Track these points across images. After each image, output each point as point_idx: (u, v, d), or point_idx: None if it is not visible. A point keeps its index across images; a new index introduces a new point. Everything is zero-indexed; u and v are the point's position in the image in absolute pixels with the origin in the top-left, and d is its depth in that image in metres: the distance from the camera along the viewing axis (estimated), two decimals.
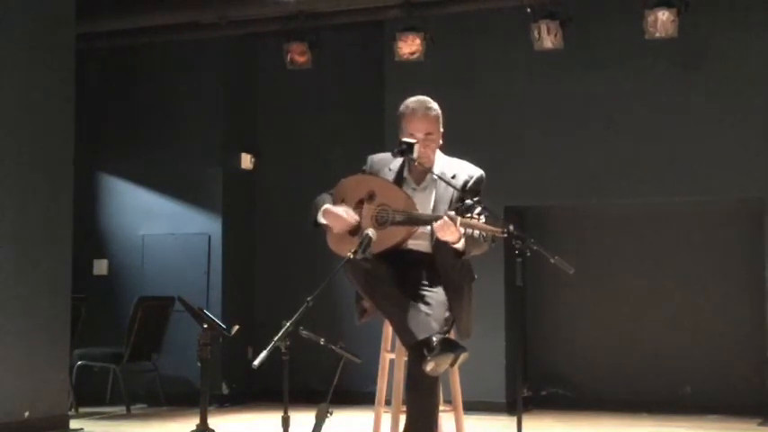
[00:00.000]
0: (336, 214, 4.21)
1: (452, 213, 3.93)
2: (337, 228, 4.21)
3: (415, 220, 4.11)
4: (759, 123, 7.68)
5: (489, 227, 3.88)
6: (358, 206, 4.23)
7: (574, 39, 7.68)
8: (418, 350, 3.90)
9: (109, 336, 8.49)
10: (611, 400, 8.14)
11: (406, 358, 4.17)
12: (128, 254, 9.13)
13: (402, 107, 4.32)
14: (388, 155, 4.40)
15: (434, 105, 4.31)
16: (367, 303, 4.26)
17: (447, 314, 4.05)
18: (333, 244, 4.29)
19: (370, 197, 4.21)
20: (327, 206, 4.26)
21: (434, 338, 3.87)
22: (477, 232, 3.90)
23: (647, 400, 8.09)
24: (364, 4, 8.01)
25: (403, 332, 4.00)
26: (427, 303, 4.02)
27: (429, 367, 3.84)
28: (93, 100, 8.96)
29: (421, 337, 3.89)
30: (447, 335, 4.01)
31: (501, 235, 3.91)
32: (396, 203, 4.13)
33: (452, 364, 3.96)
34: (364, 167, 4.44)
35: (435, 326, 3.93)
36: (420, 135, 4.21)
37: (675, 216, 8.40)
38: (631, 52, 7.92)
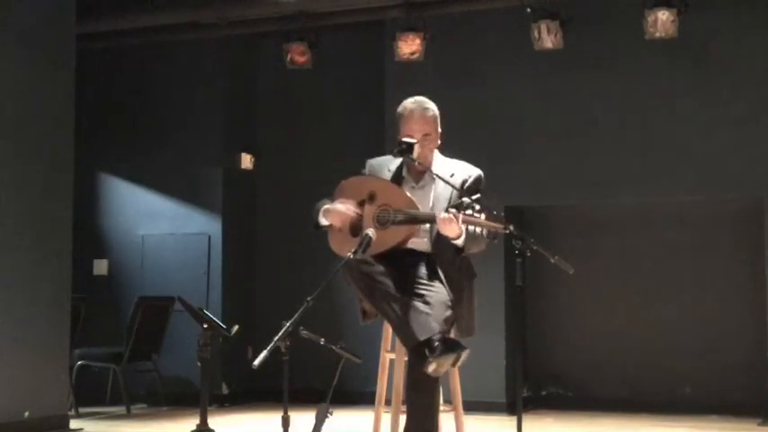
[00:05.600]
0: (337, 210, 4.23)
1: (454, 210, 3.95)
2: (339, 223, 4.23)
3: (416, 219, 4.12)
4: (759, 123, 7.67)
5: (491, 223, 3.89)
6: (359, 207, 4.25)
7: (574, 39, 7.68)
8: (419, 351, 3.90)
9: (109, 336, 8.49)
10: (611, 400, 8.14)
11: (406, 358, 4.17)
12: (128, 254, 9.13)
13: (400, 108, 4.35)
14: (386, 158, 4.44)
15: (432, 106, 4.33)
16: (367, 305, 4.26)
17: (447, 313, 4.04)
18: (335, 245, 4.30)
19: (371, 198, 4.23)
20: (327, 206, 4.28)
21: (435, 339, 3.87)
22: (478, 229, 3.91)
23: (647, 400, 8.09)
24: (364, 4, 8.01)
25: (403, 333, 4.00)
26: (427, 303, 4.01)
27: (431, 368, 3.84)
28: (93, 100, 8.96)
29: (422, 338, 3.89)
30: (447, 334, 4.01)
31: (503, 231, 3.92)
32: (397, 203, 4.15)
33: (454, 364, 3.96)
34: (363, 171, 4.46)
35: (435, 326, 3.93)
36: (417, 136, 4.23)
37: (675, 216, 8.40)
38: (631, 52, 7.92)
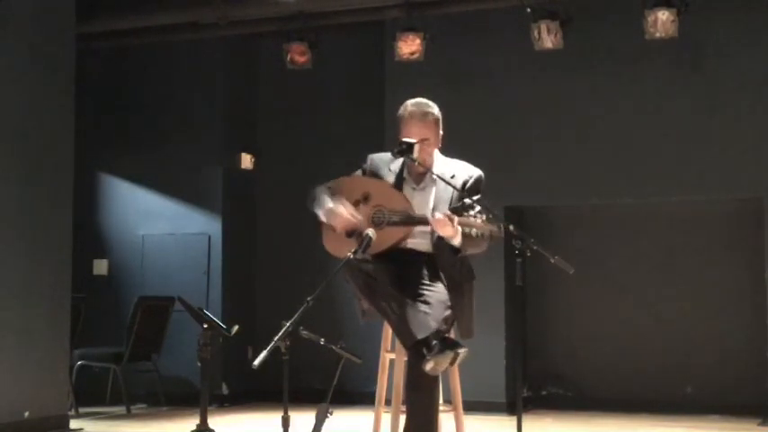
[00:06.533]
0: (339, 214, 4.20)
1: (449, 212, 3.95)
2: (339, 227, 4.21)
3: (411, 220, 4.12)
4: (759, 123, 7.67)
5: (486, 225, 3.89)
6: (354, 207, 4.24)
7: (574, 39, 7.68)
8: (417, 350, 3.90)
9: (109, 336, 8.49)
10: (611, 400, 8.14)
11: (406, 358, 4.17)
12: (128, 254, 9.13)
13: (401, 110, 4.33)
14: (388, 154, 4.41)
15: (433, 109, 4.31)
16: (365, 304, 4.26)
17: (447, 313, 4.05)
18: (330, 246, 4.30)
19: (366, 199, 4.23)
20: (330, 206, 4.24)
21: (433, 338, 3.87)
22: (474, 230, 3.92)
23: (647, 400, 8.09)
24: (364, 4, 8.01)
25: (402, 332, 4.00)
26: (426, 302, 4.02)
27: (429, 366, 3.84)
28: (94, 100, 8.96)
29: (420, 336, 3.90)
30: (447, 334, 4.01)
31: (497, 234, 3.92)
32: (391, 204, 4.15)
33: (452, 363, 3.96)
34: (364, 165, 4.45)
35: (434, 325, 3.94)
36: (416, 140, 4.22)
37: (675, 216, 8.40)
38: (631, 52, 7.92)
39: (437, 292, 4.08)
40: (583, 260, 7.52)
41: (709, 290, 8.22)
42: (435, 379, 3.98)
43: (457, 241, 4.03)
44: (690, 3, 7.30)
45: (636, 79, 7.99)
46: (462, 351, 3.94)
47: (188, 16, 8.34)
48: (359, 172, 4.47)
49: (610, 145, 8.04)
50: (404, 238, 4.18)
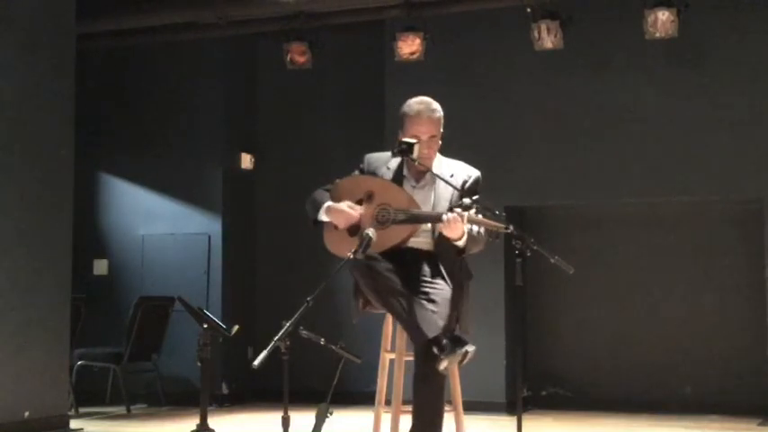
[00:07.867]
0: (340, 210, 4.20)
1: (459, 210, 3.94)
2: (342, 224, 4.20)
3: (418, 219, 4.11)
4: (759, 124, 7.67)
5: (494, 223, 3.91)
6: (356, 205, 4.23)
7: (574, 39, 7.68)
8: (428, 348, 3.90)
9: (109, 336, 8.49)
10: (611, 400, 8.14)
11: (406, 358, 4.17)
12: (128, 254, 9.13)
13: (406, 108, 4.29)
14: (385, 154, 4.40)
15: (438, 107, 4.30)
16: (362, 301, 4.25)
17: (452, 311, 4.05)
18: (331, 245, 4.28)
19: (369, 197, 4.20)
20: (330, 203, 4.24)
21: (443, 337, 3.88)
22: (476, 229, 3.93)
23: (647, 400, 8.09)
24: (364, 4, 8.01)
25: (412, 330, 3.99)
26: (432, 301, 4.02)
27: (443, 366, 3.86)
28: (93, 100, 8.96)
29: (430, 335, 3.90)
30: (453, 331, 4.03)
31: (504, 231, 3.93)
32: (397, 202, 4.13)
33: (461, 362, 3.97)
34: (361, 165, 4.44)
35: (442, 323, 3.95)
36: (424, 137, 4.20)
37: (675, 216, 8.40)
38: (631, 52, 7.92)
39: (441, 290, 4.08)
40: (583, 260, 7.53)
41: (708, 290, 8.22)
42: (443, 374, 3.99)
43: (461, 243, 4.04)
44: (690, 3, 7.31)
45: (636, 79, 7.99)
46: (472, 349, 3.95)
47: (188, 16, 8.34)
48: (356, 173, 4.46)
49: (610, 145, 8.04)
50: (409, 237, 4.16)
